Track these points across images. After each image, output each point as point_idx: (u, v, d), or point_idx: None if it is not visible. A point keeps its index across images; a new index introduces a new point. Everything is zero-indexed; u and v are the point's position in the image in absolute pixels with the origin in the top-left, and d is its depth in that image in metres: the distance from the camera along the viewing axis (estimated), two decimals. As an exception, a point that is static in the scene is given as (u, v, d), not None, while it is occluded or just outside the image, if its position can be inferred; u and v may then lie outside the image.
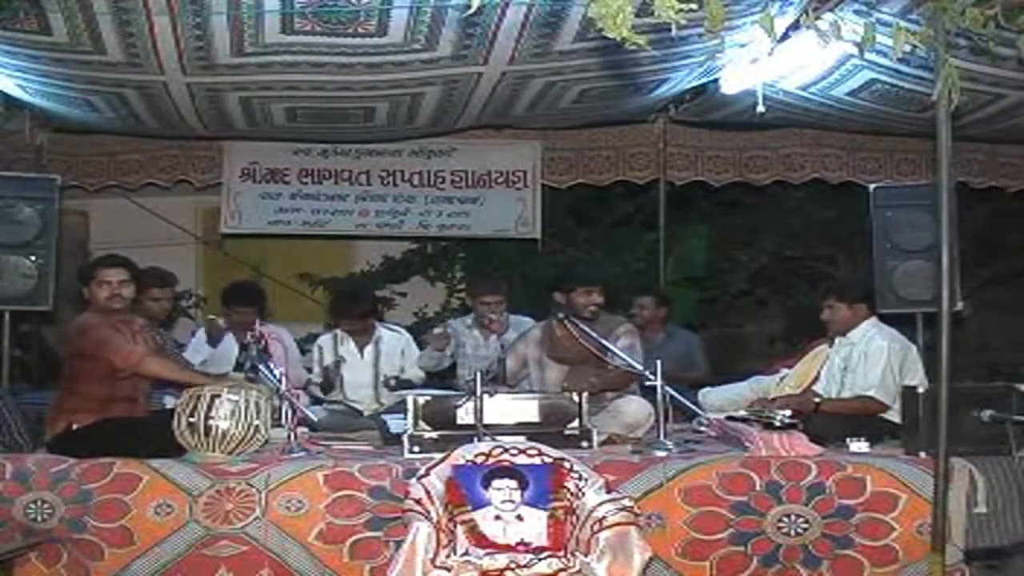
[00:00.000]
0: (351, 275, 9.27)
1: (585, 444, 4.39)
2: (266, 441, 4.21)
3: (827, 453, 4.19)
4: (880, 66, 5.09)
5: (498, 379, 4.95)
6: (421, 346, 6.06)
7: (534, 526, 3.62)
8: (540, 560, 3.52)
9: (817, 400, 4.85)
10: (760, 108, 4.92)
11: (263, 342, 4.88)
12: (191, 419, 4.04)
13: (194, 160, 7.51)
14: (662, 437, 4.34)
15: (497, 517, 3.62)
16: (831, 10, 4.16)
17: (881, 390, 4.71)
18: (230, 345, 5.81)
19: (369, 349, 5.89)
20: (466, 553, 3.54)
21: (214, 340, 5.93)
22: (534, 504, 3.66)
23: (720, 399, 5.40)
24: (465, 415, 4.37)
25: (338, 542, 3.90)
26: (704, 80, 5.92)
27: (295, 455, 4.20)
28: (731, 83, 5.51)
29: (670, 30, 2.74)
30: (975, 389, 4.67)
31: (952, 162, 4.01)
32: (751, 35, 4.61)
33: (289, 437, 4.34)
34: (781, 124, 6.99)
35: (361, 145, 7.53)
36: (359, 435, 5.02)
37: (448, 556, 3.53)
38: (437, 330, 5.98)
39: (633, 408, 4.86)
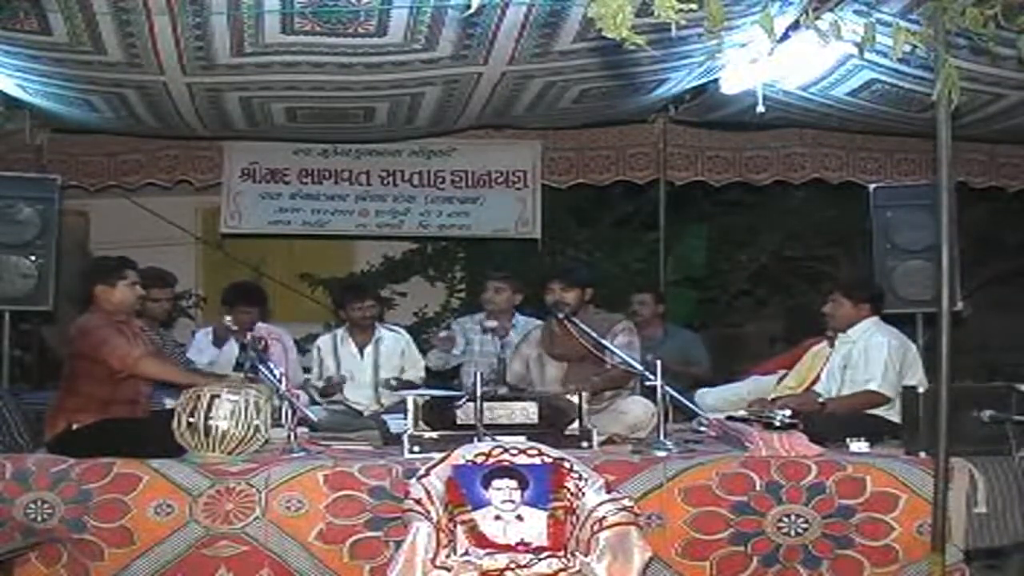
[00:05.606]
0: (351, 275, 9.27)
1: (585, 444, 4.39)
2: (266, 441, 4.21)
3: (827, 453, 4.19)
4: (880, 66, 5.09)
5: (500, 379, 4.94)
6: (422, 346, 6.05)
7: (534, 526, 3.62)
8: (540, 560, 3.52)
9: (821, 400, 4.85)
10: (760, 108, 4.91)
11: (263, 342, 4.88)
12: (191, 419, 4.04)
13: (194, 160, 7.50)
14: (662, 437, 4.34)
15: (497, 517, 3.62)
16: (831, 10, 4.15)
17: (885, 384, 4.71)
18: (231, 346, 5.81)
19: (369, 350, 5.89)
20: (466, 553, 3.54)
21: (220, 341, 5.93)
22: (534, 504, 3.66)
23: (717, 400, 5.40)
24: (465, 415, 4.37)
25: (338, 542, 3.90)
26: (704, 80, 5.91)
27: (295, 455, 4.20)
28: (731, 83, 5.51)
29: (670, 30, 2.74)
30: (975, 389, 4.66)
31: (952, 162, 4.01)
32: (751, 35, 4.60)
33: (289, 437, 4.34)
34: (781, 124, 6.98)
35: (361, 145, 7.52)
36: (359, 435, 5.01)
37: (448, 556, 3.53)
38: (442, 334, 5.97)
39: (636, 409, 4.86)
